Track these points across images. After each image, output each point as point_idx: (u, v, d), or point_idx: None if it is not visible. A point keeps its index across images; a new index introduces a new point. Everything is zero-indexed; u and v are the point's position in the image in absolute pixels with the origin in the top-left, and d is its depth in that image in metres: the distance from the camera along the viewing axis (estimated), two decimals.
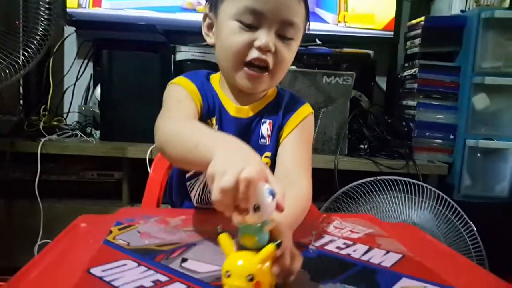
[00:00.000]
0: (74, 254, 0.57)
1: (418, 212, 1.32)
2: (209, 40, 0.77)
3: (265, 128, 0.79)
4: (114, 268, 0.50)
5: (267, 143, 0.79)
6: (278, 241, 0.43)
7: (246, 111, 0.78)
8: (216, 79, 0.81)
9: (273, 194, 0.45)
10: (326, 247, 0.64)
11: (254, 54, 0.69)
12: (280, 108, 0.80)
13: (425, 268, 0.57)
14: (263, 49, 0.69)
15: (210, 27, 0.77)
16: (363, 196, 1.33)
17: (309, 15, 0.76)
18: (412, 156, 1.50)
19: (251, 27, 0.69)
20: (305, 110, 0.82)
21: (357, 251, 0.63)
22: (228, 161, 0.46)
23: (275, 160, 0.78)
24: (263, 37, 0.68)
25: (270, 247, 0.43)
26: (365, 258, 0.60)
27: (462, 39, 1.57)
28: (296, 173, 0.72)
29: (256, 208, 0.44)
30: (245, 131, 0.78)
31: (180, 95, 0.75)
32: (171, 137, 0.63)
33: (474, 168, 1.54)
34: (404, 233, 0.75)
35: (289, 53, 0.72)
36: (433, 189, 1.34)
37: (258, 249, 0.45)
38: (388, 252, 0.63)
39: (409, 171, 1.44)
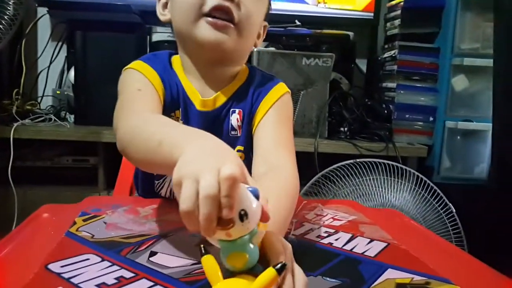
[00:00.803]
0: (33, 247, 0.53)
1: (397, 195, 1.32)
2: (165, 17, 0.70)
3: (235, 118, 0.71)
4: (75, 264, 0.47)
5: (238, 135, 0.71)
6: (279, 264, 0.34)
7: (212, 102, 0.69)
8: (177, 62, 0.71)
9: (256, 195, 0.37)
10: (307, 236, 0.61)
11: (213, 2, 0.60)
12: (248, 92, 0.72)
13: (411, 257, 0.55)
14: None
15: (165, 5, 0.70)
16: (343, 178, 1.33)
17: None
18: (392, 138, 1.50)
19: None
20: (280, 89, 0.73)
21: (339, 240, 0.60)
22: (199, 161, 0.37)
23: (249, 154, 0.71)
24: None
25: (270, 272, 0.33)
26: (348, 247, 0.57)
27: (441, 20, 1.56)
28: (278, 156, 0.64)
29: (242, 216, 0.34)
30: (213, 124, 0.70)
31: (139, 83, 0.65)
32: (134, 136, 0.55)
33: (453, 150, 1.55)
34: (388, 219, 0.73)
35: (256, 5, 0.64)
36: (412, 171, 1.34)
37: (250, 271, 0.36)
38: (372, 240, 0.60)
39: (389, 153, 1.44)
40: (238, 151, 0.72)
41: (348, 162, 1.31)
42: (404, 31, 1.59)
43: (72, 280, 0.43)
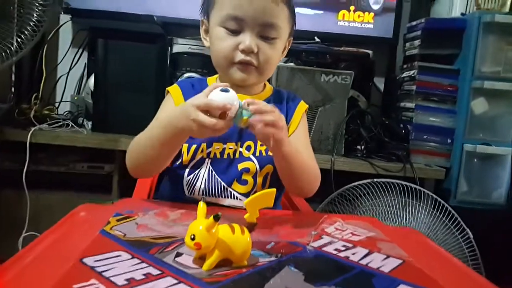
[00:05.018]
0: (70, 243, 0.56)
1: (414, 216, 1.30)
2: (206, 43, 0.86)
3: None
4: (108, 259, 0.50)
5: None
6: (216, 214, 0.49)
7: None
8: (213, 80, 0.89)
9: (223, 90, 0.65)
10: (324, 249, 0.62)
11: (240, 56, 0.78)
12: (282, 105, 0.86)
13: (424, 275, 0.56)
14: (246, 51, 0.77)
15: (206, 32, 0.85)
16: (359, 198, 1.31)
17: (294, 12, 0.84)
18: (409, 159, 1.48)
19: (235, 32, 0.78)
20: (303, 106, 0.89)
21: (356, 254, 0.61)
22: (183, 110, 0.67)
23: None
24: (246, 40, 0.77)
25: (211, 218, 0.49)
26: (363, 262, 0.58)
27: (462, 42, 1.55)
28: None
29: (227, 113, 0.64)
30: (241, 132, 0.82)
31: (163, 111, 0.84)
32: (139, 148, 0.76)
33: (471, 174, 1.52)
34: (407, 238, 0.73)
35: (273, 51, 0.80)
36: (430, 193, 1.32)
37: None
38: (388, 257, 0.61)
39: (406, 174, 1.42)
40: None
41: (366, 181, 1.30)
42: (423, 51, 1.58)
43: (104, 273, 0.46)
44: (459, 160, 1.52)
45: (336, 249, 0.62)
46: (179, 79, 1.52)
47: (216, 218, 0.49)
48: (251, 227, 0.55)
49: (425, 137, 1.55)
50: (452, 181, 1.52)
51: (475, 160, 1.54)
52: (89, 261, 0.49)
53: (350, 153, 1.50)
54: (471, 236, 1.27)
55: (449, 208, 1.31)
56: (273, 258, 0.56)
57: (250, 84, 0.83)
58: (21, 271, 0.47)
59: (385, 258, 0.60)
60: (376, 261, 0.58)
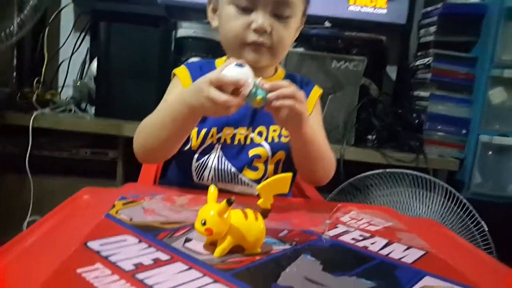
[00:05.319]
0: (73, 226, 0.54)
1: (426, 208, 1.25)
2: (214, 23, 0.80)
3: None
4: (113, 243, 0.48)
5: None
6: (229, 199, 0.46)
7: None
8: (221, 62, 0.82)
9: (237, 65, 0.61)
10: (341, 238, 0.60)
11: (252, 36, 0.73)
12: None
13: (450, 266, 0.54)
14: (259, 31, 0.72)
15: (214, 11, 0.80)
16: (371, 188, 1.27)
17: None
18: (423, 149, 1.43)
19: (247, 10, 0.72)
20: (318, 91, 0.86)
21: (375, 244, 0.58)
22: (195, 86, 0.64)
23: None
24: (259, 19, 0.71)
25: (223, 202, 0.46)
26: (383, 252, 0.56)
27: (481, 29, 1.49)
28: None
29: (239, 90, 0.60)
30: (260, 110, 0.78)
31: (171, 94, 0.79)
32: (148, 130, 0.72)
33: (485, 165, 1.47)
34: (426, 228, 0.71)
35: (287, 31, 0.75)
36: (444, 184, 1.27)
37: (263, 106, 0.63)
38: (409, 247, 0.59)
39: (419, 164, 1.37)
40: (285, 137, 0.79)
41: (379, 171, 1.25)
42: (439, 38, 1.53)
43: (110, 258, 0.44)
44: (473, 151, 1.47)
45: (353, 239, 0.60)
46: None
47: (229, 203, 0.46)
48: (264, 214, 0.51)
49: (439, 127, 1.50)
50: (466, 172, 1.47)
51: (491, 151, 1.48)
52: (93, 244, 0.47)
53: (360, 143, 1.45)
54: (486, 229, 1.23)
55: (464, 200, 1.26)
56: (287, 246, 0.54)
57: (262, 66, 0.78)
58: (21, 254, 0.44)
59: (406, 249, 0.58)
60: (397, 252, 0.56)
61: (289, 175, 0.51)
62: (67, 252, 0.44)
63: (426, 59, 1.54)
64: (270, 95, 0.62)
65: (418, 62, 1.60)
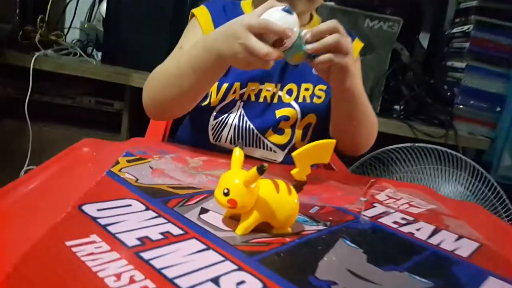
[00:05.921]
0: (68, 183, 0.45)
1: (453, 187, 1.16)
2: None
3: None
4: (114, 209, 0.39)
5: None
6: (262, 165, 0.37)
7: None
8: (248, 5, 0.73)
9: (285, 10, 0.50)
10: (381, 220, 0.52)
11: None
12: None
13: (510, 264, 0.45)
14: None
15: None
16: (396, 162, 1.17)
17: None
18: (453, 124, 1.32)
19: None
20: (359, 44, 0.78)
21: (421, 231, 0.50)
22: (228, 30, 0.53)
23: (329, 95, 0.69)
24: None
25: (253, 169, 0.38)
26: (433, 241, 0.48)
27: None
28: None
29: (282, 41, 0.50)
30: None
31: (188, 39, 0.70)
32: (162, 79, 0.63)
33: None
34: (473, 215, 0.62)
35: None
36: (473, 163, 1.17)
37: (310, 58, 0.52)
38: (460, 237, 0.50)
39: (448, 141, 1.26)
40: (320, 90, 0.71)
41: (405, 145, 1.15)
42: (482, 4, 1.38)
43: (109, 228, 0.35)
44: (506, 131, 1.36)
45: (395, 222, 0.52)
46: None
47: (261, 171, 0.37)
48: (298, 187, 0.42)
49: (471, 102, 1.38)
50: (495, 153, 1.37)
51: None
52: (90, 209, 0.38)
53: (385, 113, 1.34)
54: None
55: (492, 181, 1.17)
56: (321, 227, 0.46)
57: (297, 12, 0.67)
58: (2, 213, 0.36)
59: (458, 239, 0.50)
60: (448, 242, 0.48)
61: (332, 141, 0.41)
62: (58, 215, 0.35)
63: (465, 27, 1.40)
64: (309, 46, 0.51)
65: (455, 30, 1.46)
